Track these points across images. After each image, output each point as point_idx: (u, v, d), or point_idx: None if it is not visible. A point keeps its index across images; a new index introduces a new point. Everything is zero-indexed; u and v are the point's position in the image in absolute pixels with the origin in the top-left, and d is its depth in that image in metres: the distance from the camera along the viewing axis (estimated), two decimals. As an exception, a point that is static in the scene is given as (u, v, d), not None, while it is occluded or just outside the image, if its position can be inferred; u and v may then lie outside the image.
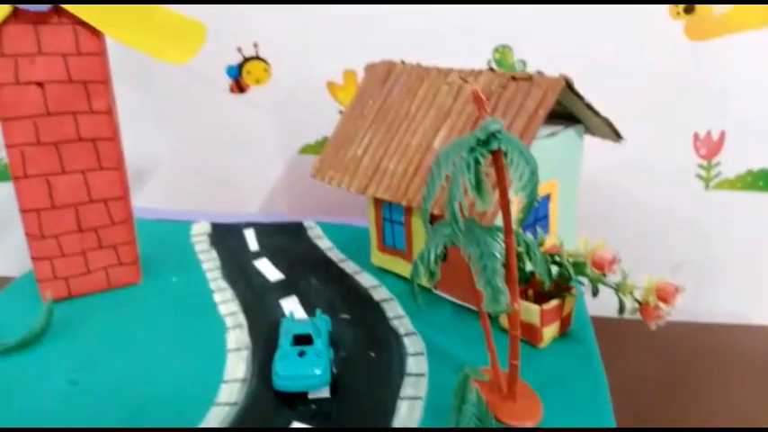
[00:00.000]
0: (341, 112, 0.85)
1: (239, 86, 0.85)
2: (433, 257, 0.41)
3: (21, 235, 1.00)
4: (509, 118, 0.51)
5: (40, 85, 0.56)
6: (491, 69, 0.55)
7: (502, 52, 0.77)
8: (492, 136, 0.36)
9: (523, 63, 0.77)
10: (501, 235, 0.40)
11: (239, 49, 0.83)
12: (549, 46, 0.75)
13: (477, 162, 0.36)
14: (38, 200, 0.58)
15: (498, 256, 0.38)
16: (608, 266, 0.45)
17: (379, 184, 0.57)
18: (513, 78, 0.52)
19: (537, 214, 0.57)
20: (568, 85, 0.50)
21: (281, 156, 0.89)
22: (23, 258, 1.02)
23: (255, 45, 0.83)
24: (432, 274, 0.41)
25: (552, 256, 0.48)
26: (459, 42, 0.77)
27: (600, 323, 0.55)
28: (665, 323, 0.45)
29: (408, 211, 0.58)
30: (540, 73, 0.52)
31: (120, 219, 0.62)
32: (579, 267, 0.47)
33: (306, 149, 0.88)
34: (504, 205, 0.38)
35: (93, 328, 0.57)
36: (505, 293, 0.37)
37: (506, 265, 0.38)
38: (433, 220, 0.56)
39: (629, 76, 0.74)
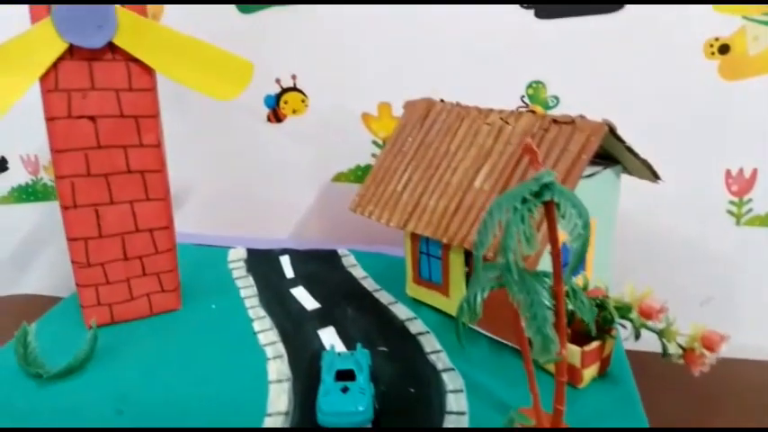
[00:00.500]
0: (374, 142, 0.86)
1: (276, 116, 0.87)
2: (479, 300, 0.42)
3: (54, 255, 1.03)
4: (551, 161, 0.52)
5: (92, 119, 0.57)
6: (531, 111, 0.56)
7: (535, 88, 0.78)
8: (545, 187, 0.37)
9: (556, 99, 0.78)
10: (549, 281, 0.40)
11: (278, 81, 0.85)
12: (583, 82, 0.76)
13: (529, 212, 0.37)
14: (86, 229, 0.60)
15: (548, 303, 0.39)
16: (656, 315, 0.45)
17: (419, 220, 0.58)
18: (555, 121, 0.53)
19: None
20: (611, 130, 0.51)
21: (314, 183, 0.90)
22: (57, 278, 1.04)
23: (294, 77, 0.85)
24: (475, 315, 0.42)
25: (595, 299, 0.49)
26: (492, 77, 0.78)
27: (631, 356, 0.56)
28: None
29: (446, 246, 0.59)
30: (582, 117, 0.53)
31: (165, 247, 0.64)
32: (623, 311, 0.48)
33: (339, 177, 0.90)
34: (555, 255, 0.39)
35: (136, 355, 0.59)
36: (556, 342, 0.38)
37: (555, 313, 0.39)
38: (468, 257, 0.58)
39: (662, 112, 0.74)
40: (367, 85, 0.84)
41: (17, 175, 1.02)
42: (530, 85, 0.78)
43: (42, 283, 1.06)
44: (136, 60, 0.57)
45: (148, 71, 0.58)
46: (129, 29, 0.55)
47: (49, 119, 0.56)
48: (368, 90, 0.84)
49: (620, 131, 0.54)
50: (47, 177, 1.01)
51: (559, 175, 0.51)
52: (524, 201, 0.37)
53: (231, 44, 0.77)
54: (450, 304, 0.62)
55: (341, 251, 0.81)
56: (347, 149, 0.88)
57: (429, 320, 0.63)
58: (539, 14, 0.75)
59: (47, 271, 1.06)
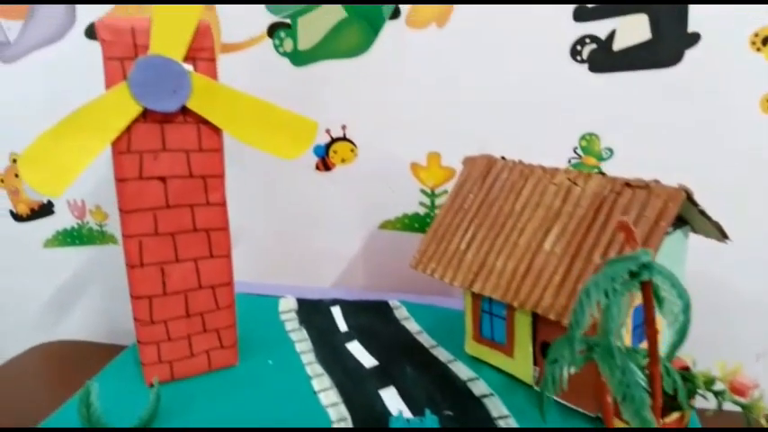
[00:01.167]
0: (422, 191, 0.87)
1: (325, 165, 0.88)
2: (566, 376, 0.42)
3: (94, 300, 1.04)
4: (626, 226, 0.51)
5: (163, 179, 0.58)
6: (601, 173, 0.56)
7: (588, 140, 0.78)
8: (643, 267, 0.37)
9: (610, 151, 0.77)
10: (641, 358, 0.40)
11: (328, 131, 0.86)
12: (638, 135, 0.76)
13: (629, 293, 0.37)
14: (151, 287, 0.60)
15: (643, 384, 0.38)
16: (748, 392, 0.44)
17: (486, 282, 0.58)
18: (628, 185, 0.53)
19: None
20: (687, 196, 0.51)
21: (360, 231, 0.91)
22: (98, 324, 1.05)
23: (344, 127, 0.86)
24: (561, 390, 0.41)
25: (682, 372, 0.48)
26: (544, 128, 0.78)
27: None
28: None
29: (512, 306, 0.58)
30: (656, 181, 0.53)
31: (225, 304, 0.64)
32: (708, 384, 0.47)
33: (386, 225, 0.90)
34: (652, 335, 0.38)
35: (197, 415, 0.58)
36: (653, 424, 0.37)
37: (651, 394, 0.38)
38: (536, 319, 0.57)
39: (718, 167, 0.74)
40: (416, 135, 0.84)
41: (63, 219, 1.03)
42: (583, 137, 0.78)
43: (83, 328, 1.06)
44: (206, 122, 0.58)
45: (217, 132, 0.59)
46: (201, 92, 0.56)
47: (120, 180, 0.57)
48: (417, 139, 0.85)
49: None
50: (92, 222, 1.02)
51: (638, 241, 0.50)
52: (623, 282, 0.37)
53: (285, 96, 0.78)
54: (515, 365, 0.61)
55: (392, 302, 0.80)
56: (395, 198, 0.88)
57: (492, 381, 0.62)
58: (593, 68, 0.75)
59: (88, 316, 1.06)
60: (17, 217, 1.04)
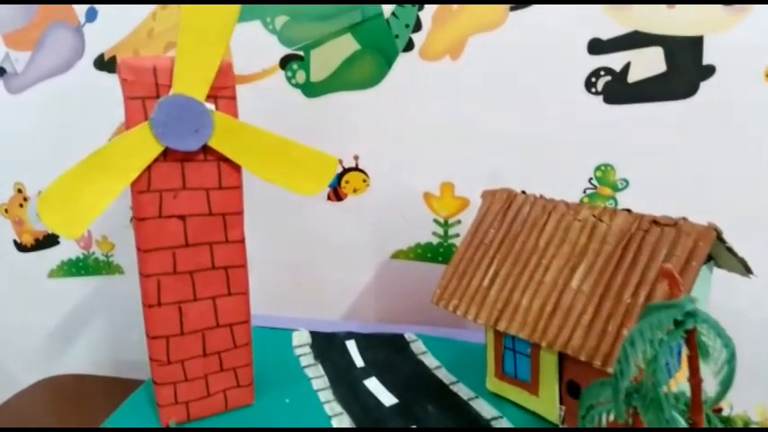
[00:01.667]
0: (435, 221, 0.86)
1: (337, 195, 0.87)
2: (605, 422, 0.41)
3: (98, 331, 1.02)
4: (657, 264, 0.51)
5: (182, 218, 0.57)
6: (627, 210, 0.55)
7: (603, 170, 0.78)
8: (688, 315, 0.36)
9: (626, 181, 0.77)
10: (682, 405, 0.39)
11: (340, 162, 0.85)
12: (654, 166, 0.75)
13: (675, 342, 0.36)
14: (168, 327, 0.59)
15: None
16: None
17: (512, 320, 0.57)
18: (656, 223, 0.53)
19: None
20: (717, 235, 0.50)
21: (372, 260, 0.90)
22: (101, 355, 1.03)
23: (356, 157, 0.85)
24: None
25: (720, 417, 0.47)
26: (558, 159, 0.78)
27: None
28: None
29: (537, 344, 0.58)
30: (684, 219, 0.52)
31: (243, 342, 0.63)
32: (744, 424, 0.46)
33: (398, 255, 0.89)
34: (696, 385, 0.37)
35: (218, 459, 0.57)
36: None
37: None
38: (563, 359, 0.56)
39: (737, 200, 0.74)
40: (429, 165, 0.84)
41: (68, 250, 1.02)
42: (598, 168, 0.78)
43: (88, 359, 1.05)
44: (226, 159, 0.57)
45: (237, 169, 0.58)
46: (223, 131, 0.55)
47: (140, 219, 0.56)
48: (430, 170, 0.84)
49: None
50: (99, 252, 1.00)
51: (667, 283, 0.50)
52: (669, 331, 0.36)
53: (297, 127, 0.78)
54: (540, 403, 0.60)
55: (408, 335, 0.79)
56: (407, 228, 0.87)
57: (516, 420, 0.61)
58: (607, 100, 0.75)
59: (93, 347, 1.05)
60: (21, 247, 1.03)
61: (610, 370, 0.49)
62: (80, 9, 0.89)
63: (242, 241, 0.60)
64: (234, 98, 0.57)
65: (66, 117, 0.94)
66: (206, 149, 0.56)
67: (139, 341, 0.94)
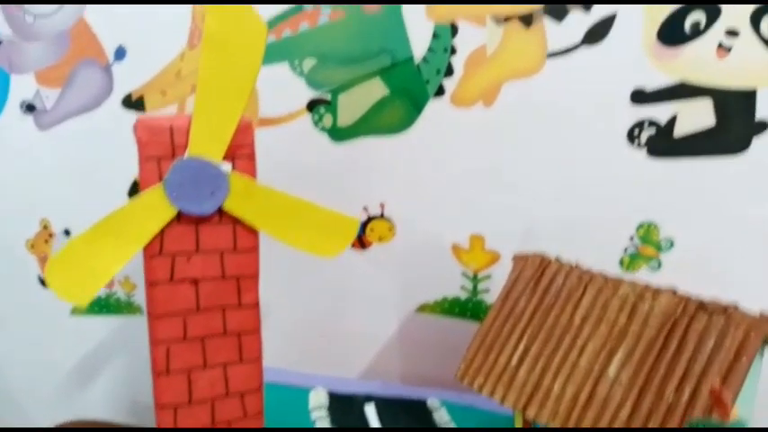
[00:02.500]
0: (464, 274, 0.82)
1: (361, 243, 0.84)
2: None
3: (117, 374, 1.01)
4: (703, 357, 0.46)
5: (194, 281, 0.55)
6: (672, 292, 0.50)
7: (646, 229, 0.72)
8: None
9: (671, 242, 0.72)
10: None
11: (365, 209, 0.82)
12: (701, 226, 0.70)
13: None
14: (177, 396, 0.56)
15: None
16: None
17: (542, 407, 0.52)
18: (703, 308, 0.48)
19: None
20: (774, 327, 0.45)
21: (396, 313, 0.86)
22: (118, 401, 1.01)
23: (382, 205, 0.82)
24: None
25: None
26: (597, 214, 0.74)
27: None
28: None
29: (569, 430, 0.53)
30: (735, 306, 0.47)
31: (254, 411, 0.60)
32: None
33: (424, 308, 0.85)
34: None
35: None
36: None
37: None
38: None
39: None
40: (459, 216, 0.80)
41: (92, 286, 1.01)
42: (640, 226, 0.73)
43: (105, 400, 1.03)
44: (242, 222, 0.55)
45: (253, 231, 0.56)
46: (240, 193, 0.53)
47: (151, 284, 0.53)
48: (460, 221, 0.80)
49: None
50: (121, 291, 0.99)
51: (716, 376, 0.45)
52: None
53: (323, 171, 0.75)
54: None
55: (431, 402, 0.75)
56: (434, 280, 0.83)
57: None
58: (651, 153, 0.70)
59: (110, 387, 1.03)
60: (45, 283, 1.03)
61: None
62: (109, 47, 0.88)
63: (256, 305, 0.58)
64: (252, 157, 0.54)
65: (93, 154, 0.93)
66: (221, 211, 0.54)
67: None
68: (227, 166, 0.52)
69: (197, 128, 0.50)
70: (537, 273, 0.59)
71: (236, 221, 0.55)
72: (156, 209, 0.51)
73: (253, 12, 0.48)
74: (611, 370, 0.50)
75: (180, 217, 0.53)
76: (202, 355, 0.56)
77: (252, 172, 0.55)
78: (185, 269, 0.54)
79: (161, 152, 0.51)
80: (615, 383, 0.49)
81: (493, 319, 0.60)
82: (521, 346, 0.56)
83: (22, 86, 0.94)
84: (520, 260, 0.62)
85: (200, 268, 0.54)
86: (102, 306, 1.00)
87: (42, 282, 1.02)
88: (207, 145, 0.51)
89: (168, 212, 0.51)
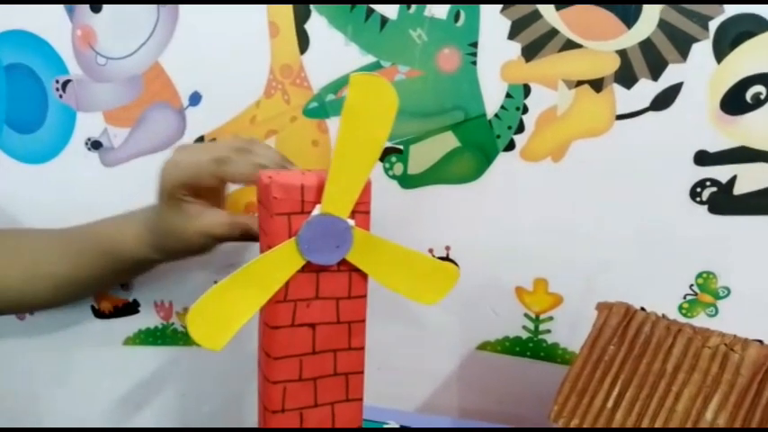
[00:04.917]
0: (526, 315, 0.86)
1: (428, 285, 0.87)
2: None
3: (165, 405, 1.02)
4: (800, 406, 0.50)
5: (312, 326, 0.58)
6: (760, 342, 0.55)
7: (705, 278, 0.77)
8: None
9: (727, 290, 0.77)
10: None
11: (431, 251, 0.86)
12: (756, 275, 0.76)
13: None
14: (289, 434, 0.59)
15: None
16: None
17: (641, 448, 0.56)
18: (794, 360, 0.52)
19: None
20: None
21: (458, 350, 0.90)
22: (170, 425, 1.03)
23: (447, 248, 0.86)
24: None
25: None
26: (659, 264, 0.79)
27: None
28: None
29: (662, 471, 0.57)
30: (826, 359, 0.52)
31: (355, 450, 0.63)
32: None
33: (485, 346, 0.89)
34: None
35: None
36: None
37: None
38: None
39: None
40: (523, 261, 0.84)
41: (147, 319, 1.03)
42: (699, 275, 0.78)
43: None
44: (356, 269, 0.58)
45: (365, 278, 0.59)
46: (360, 245, 0.57)
47: (273, 327, 0.57)
48: (523, 264, 0.85)
49: None
50: (178, 323, 1.01)
51: (813, 424, 0.49)
52: None
53: (390, 215, 0.79)
54: None
55: (503, 437, 0.78)
56: (496, 320, 0.87)
57: None
58: (712, 210, 0.76)
59: (161, 417, 1.05)
60: (99, 313, 1.04)
61: None
62: (184, 92, 0.92)
63: (363, 348, 0.61)
64: (368, 213, 0.58)
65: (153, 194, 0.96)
66: (340, 261, 0.58)
67: (209, 413, 0.95)
68: (351, 222, 0.56)
69: (331, 188, 0.54)
70: (623, 321, 0.64)
71: (351, 270, 0.58)
72: (288, 260, 0.54)
73: (388, 84, 0.52)
74: (708, 414, 0.54)
75: (304, 266, 0.56)
76: (314, 395, 0.60)
77: (367, 225, 0.59)
78: (305, 314, 0.58)
79: (291, 208, 0.55)
80: (713, 426, 0.53)
81: (582, 363, 0.64)
82: (615, 391, 0.60)
83: (89, 124, 0.95)
84: (604, 308, 0.66)
85: (318, 314, 0.58)
86: (158, 337, 1.02)
87: (96, 311, 1.04)
88: (338, 203, 0.55)
89: (297, 263, 0.55)
